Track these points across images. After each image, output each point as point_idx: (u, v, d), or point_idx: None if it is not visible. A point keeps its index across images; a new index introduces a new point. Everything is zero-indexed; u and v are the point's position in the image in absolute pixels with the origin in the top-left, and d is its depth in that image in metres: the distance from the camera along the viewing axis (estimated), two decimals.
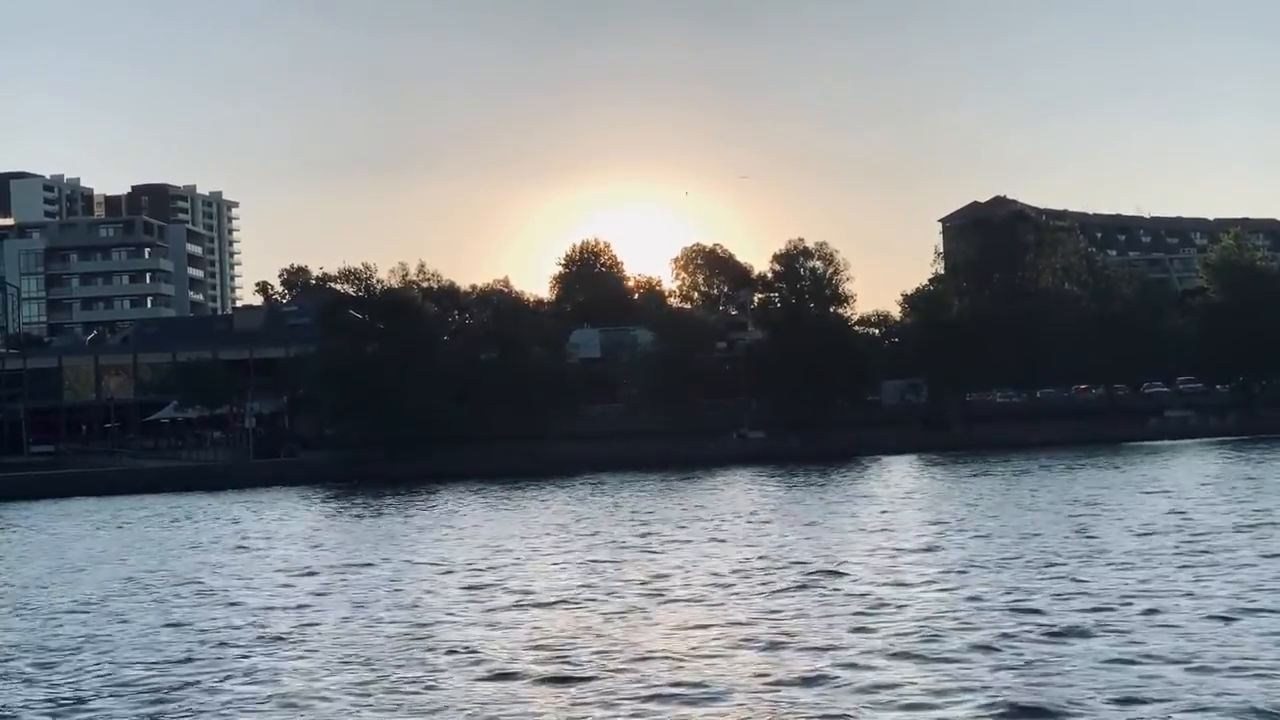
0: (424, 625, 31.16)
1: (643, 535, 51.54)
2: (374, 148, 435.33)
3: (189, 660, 27.96)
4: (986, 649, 25.07)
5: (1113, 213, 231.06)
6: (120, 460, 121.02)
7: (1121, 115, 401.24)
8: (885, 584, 34.58)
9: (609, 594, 35.02)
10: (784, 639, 27.09)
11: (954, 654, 24.79)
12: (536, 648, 27.41)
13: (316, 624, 32.12)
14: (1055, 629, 26.82)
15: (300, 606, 35.37)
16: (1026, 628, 27.15)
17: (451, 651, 27.34)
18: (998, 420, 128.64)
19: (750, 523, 55.10)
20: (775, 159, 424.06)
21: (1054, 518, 50.88)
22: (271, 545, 54.88)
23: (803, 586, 34.78)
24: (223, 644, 29.71)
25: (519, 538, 52.75)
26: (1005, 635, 26.36)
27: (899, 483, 78.70)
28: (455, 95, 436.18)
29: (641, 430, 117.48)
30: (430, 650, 27.67)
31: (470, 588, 37.72)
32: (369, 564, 45.38)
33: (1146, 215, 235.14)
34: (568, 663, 25.66)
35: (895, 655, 24.97)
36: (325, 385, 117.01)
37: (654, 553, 45.00)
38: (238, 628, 32.04)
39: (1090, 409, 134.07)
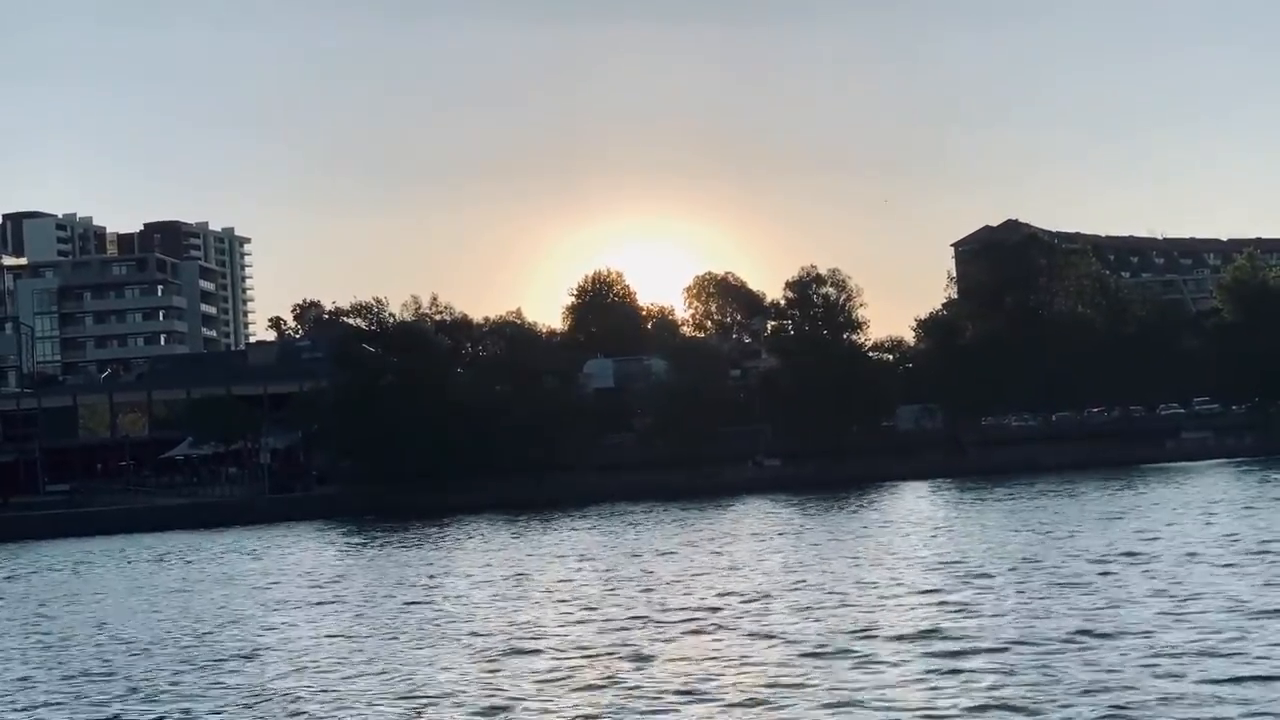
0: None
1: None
2: (384, 182, 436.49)
3: None
4: None
5: (1125, 234, 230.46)
6: (136, 498, 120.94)
7: (1134, 137, 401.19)
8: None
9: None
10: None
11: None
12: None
13: None
14: None
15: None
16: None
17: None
18: (1014, 444, 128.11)
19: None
20: (786, 186, 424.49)
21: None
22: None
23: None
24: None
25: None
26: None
27: (934, 513, 78.20)
28: (465, 128, 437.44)
29: (657, 460, 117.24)
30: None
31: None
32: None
33: (1160, 236, 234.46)
34: None
35: None
36: (339, 419, 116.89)
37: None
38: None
39: (1106, 431, 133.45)
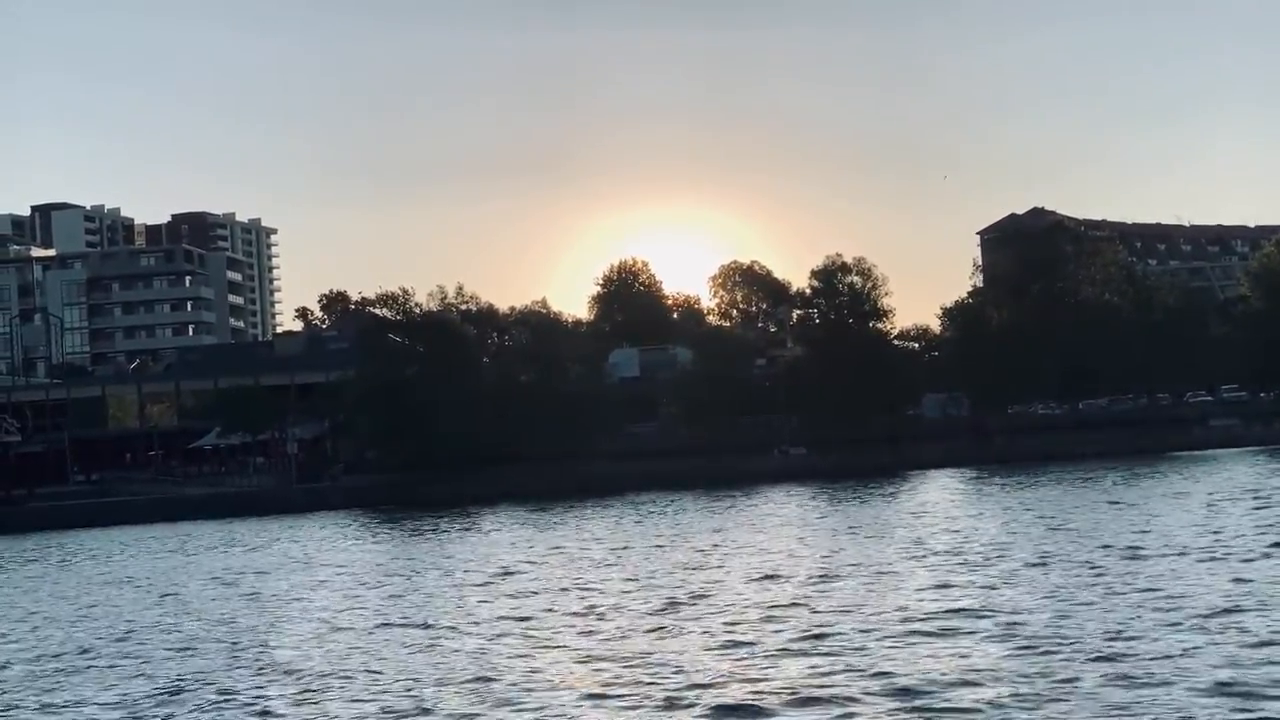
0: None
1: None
2: (409, 174, 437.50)
3: None
4: None
5: (1152, 222, 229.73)
6: (164, 488, 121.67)
7: (1159, 124, 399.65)
8: None
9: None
10: None
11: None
12: None
13: None
14: None
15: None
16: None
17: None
18: (1040, 432, 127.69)
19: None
20: (810, 175, 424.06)
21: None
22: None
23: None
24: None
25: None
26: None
27: (949, 502, 78.15)
28: (490, 117, 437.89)
29: (682, 448, 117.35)
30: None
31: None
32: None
33: (1186, 224, 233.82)
34: None
35: None
36: (366, 409, 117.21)
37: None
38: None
39: (1133, 419, 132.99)
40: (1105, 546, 43.75)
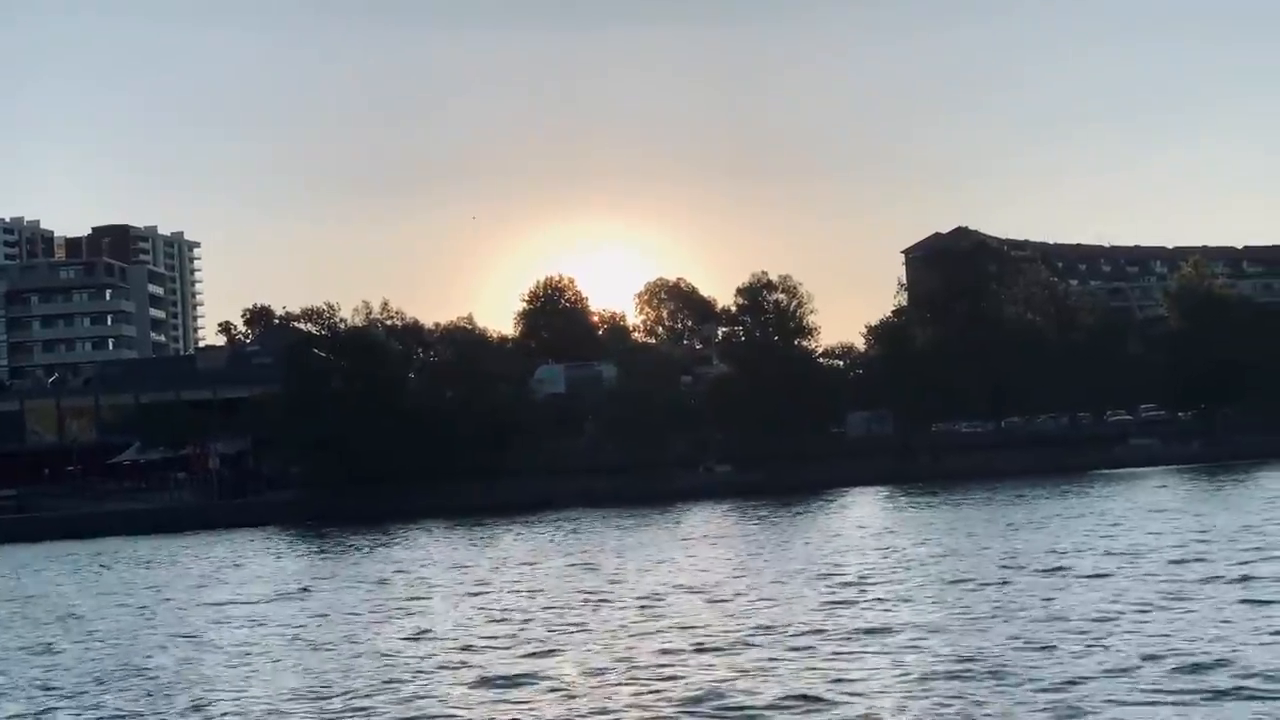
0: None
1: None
2: (336, 187, 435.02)
3: None
4: None
5: (1074, 242, 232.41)
6: (82, 504, 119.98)
7: (1081, 146, 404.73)
8: None
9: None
10: None
11: None
12: None
13: None
14: None
15: None
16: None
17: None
18: (965, 450, 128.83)
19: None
20: (738, 192, 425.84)
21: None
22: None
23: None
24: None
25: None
26: None
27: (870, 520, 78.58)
28: (416, 135, 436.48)
29: (607, 465, 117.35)
30: None
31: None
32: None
33: (1107, 244, 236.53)
34: None
35: None
36: (290, 425, 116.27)
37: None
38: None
39: (1055, 438, 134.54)
40: (1012, 566, 44.18)
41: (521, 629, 36.11)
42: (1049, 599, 35.61)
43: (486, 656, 31.79)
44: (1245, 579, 37.59)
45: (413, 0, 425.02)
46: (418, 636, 36.11)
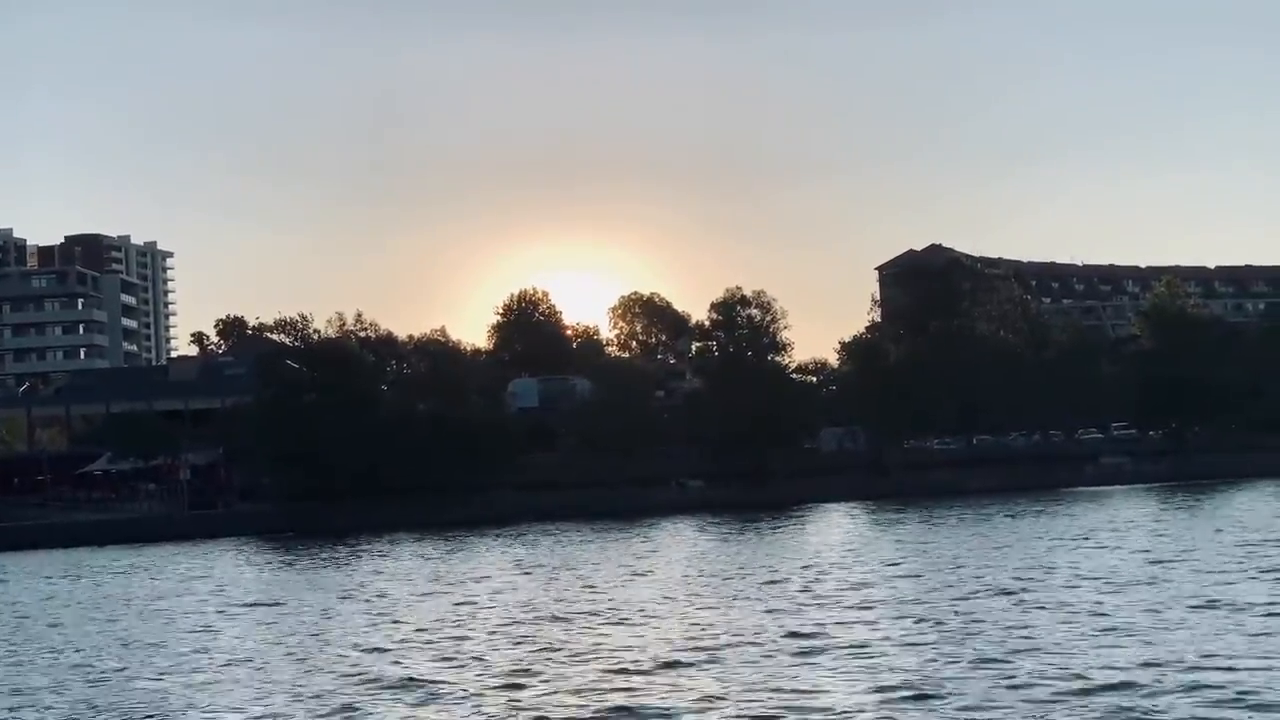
0: None
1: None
2: (310, 198, 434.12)
3: None
4: None
5: (1047, 261, 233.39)
6: (52, 514, 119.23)
7: (1056, 165, 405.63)
8: None
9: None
10: None
11: None
12: None
13: None
14: None
15: None
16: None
17: None
18: (936, 467, 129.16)
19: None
20: (712, 207, 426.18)
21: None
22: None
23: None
24: None
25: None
26: None
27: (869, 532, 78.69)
28: (392, 146, 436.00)
29: (581, 480, 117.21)
30: None
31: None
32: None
33: (1080, 263, 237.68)
34: None
35: None
36: (262, 437, 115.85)
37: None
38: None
39: (1027, 456, 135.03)
40: (980, 587, 44.27)
41: (456, 645, 36.22)
42: (1006, 622, 35.57)
43: (410, 670, 32.19)
44: (1214, 602, 37.76)
45: (384, 15, 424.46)
46: (356, 648, 36.48)
